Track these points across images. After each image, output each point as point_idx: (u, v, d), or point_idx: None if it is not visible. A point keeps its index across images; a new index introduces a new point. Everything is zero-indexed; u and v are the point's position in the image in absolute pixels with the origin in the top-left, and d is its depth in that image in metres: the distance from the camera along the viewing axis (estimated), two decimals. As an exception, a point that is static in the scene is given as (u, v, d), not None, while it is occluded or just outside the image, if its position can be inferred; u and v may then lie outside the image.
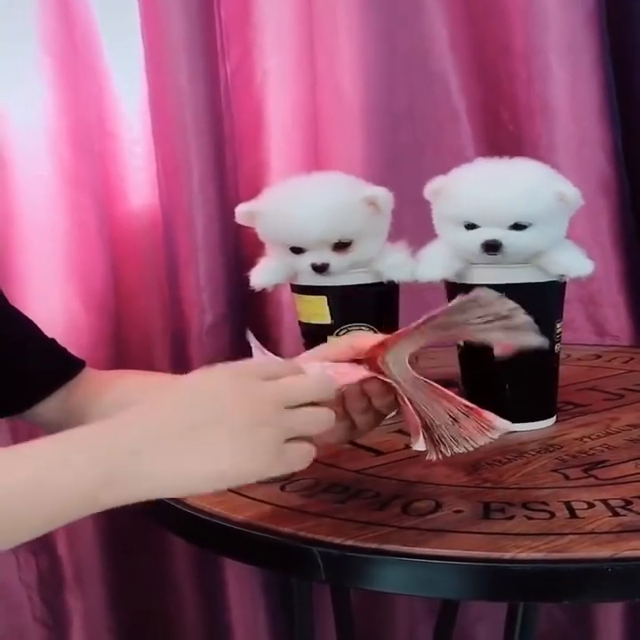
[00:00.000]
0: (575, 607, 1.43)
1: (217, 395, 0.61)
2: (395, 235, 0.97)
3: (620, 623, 1.41)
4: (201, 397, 0.61)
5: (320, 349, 0.76)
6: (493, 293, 0.67)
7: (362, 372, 0.68)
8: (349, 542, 0.65)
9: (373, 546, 0.65)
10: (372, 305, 0.95)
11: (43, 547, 1.32)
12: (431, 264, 0.91)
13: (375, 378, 0.68)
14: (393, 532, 0.67)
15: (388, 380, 0.67)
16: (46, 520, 0.58)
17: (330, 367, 0.73)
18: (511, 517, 0.68)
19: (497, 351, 0.73)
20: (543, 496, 0.72)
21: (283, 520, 0.70)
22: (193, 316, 1.29)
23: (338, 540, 0.65)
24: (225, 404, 0.60)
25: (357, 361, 0.69)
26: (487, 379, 0.89)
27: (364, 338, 0.73)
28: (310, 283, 0.94)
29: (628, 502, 0.70)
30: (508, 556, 0.62)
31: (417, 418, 0.67)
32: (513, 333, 0.68)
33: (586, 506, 0.70)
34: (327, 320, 0.93)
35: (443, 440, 0.67)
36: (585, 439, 0.86)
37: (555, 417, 0.92)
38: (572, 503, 0.70)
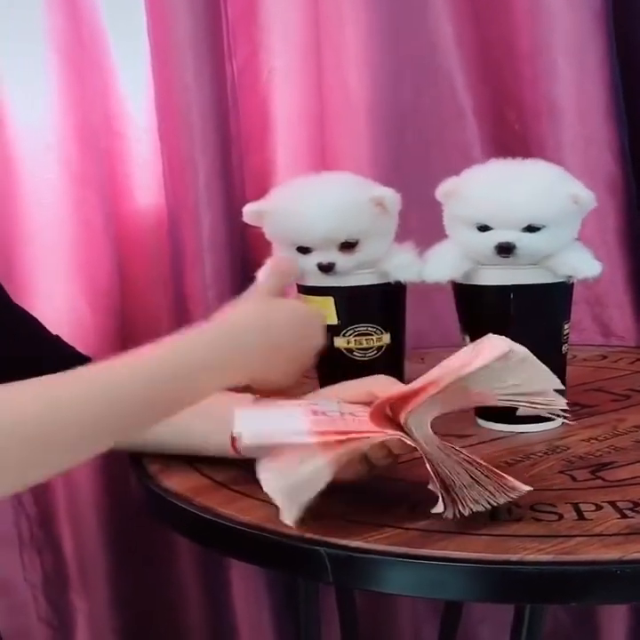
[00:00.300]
0: (579, 609, 1.43)
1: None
2: (401, 234, 0.97)
3: (624, 625, 1.40)
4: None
5: (338, 390, 0.78)
6: (523, 350, 0.66)
7: (386, 431, 0.68)
8: (356, 543, 0.65)
9: (381, 547, 0.65)
10: (379, 305, 0.95)
11: (48, 546, 1.32)
12: (439, 265, 0.90)
13: (398, 438, 0.68)
14: (400, 534, 0.67)
15: (409, 442, 0.67)
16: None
17: (346, 408, 0.73)
18: (519, 519, 0.68)
19: (520, 412, 0.73)
20: (551, 498, 0.72)
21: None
22: (198, 315, 1.28)
23: (345, 542, 0.65)
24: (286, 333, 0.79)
25: (379, 410, 0.69)
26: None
27: (383, 384, 0.75)
28: (317, 283, 0.94)
29: (636, 504, 0.70)
30: (515, 557, 0.62)
31: (436, 479, 0.67)
32: (538, 402, 0.68)
33: (594, 508, 0.70)
34: (334, 321, 0.93)
35: (462, 499, 0.67)
36: (592, 440, 0.86)
37: (561, 419, 0.92)
38: (580, 505, 0.70)
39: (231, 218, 1.24)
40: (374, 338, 0.94)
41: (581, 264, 0.88)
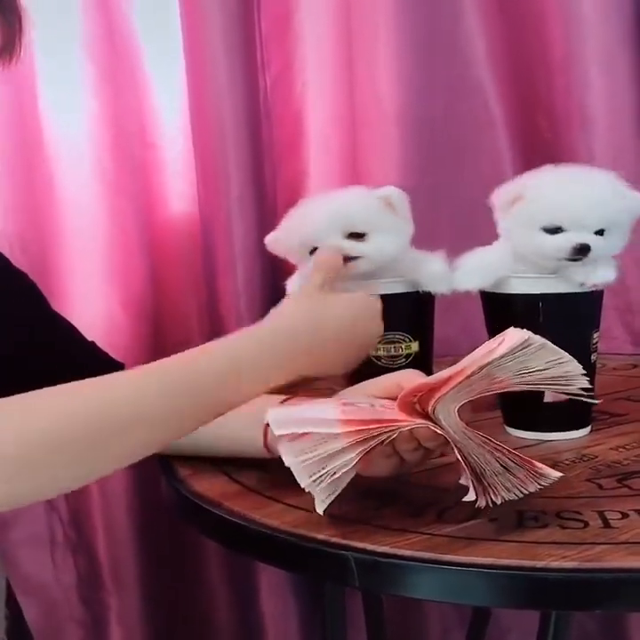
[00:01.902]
0: (606, 617, 1.42)
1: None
2: (431, 241, 0.97)
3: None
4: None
5: (367, 385, 0.78)
6: (540, 339, 0.68)
7: (414, 420, 0.68)
8: (383, 548, 0.66)
9: (407, 552, 0.65)
10: (408, 313, 0.95)
11: (80, 548, 1.35)
12: (469, 273, 0.91)
13: (427, 427, 0.68)
14: (427, 540, 0.67)
15: (438, 431, 0.68)
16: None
17: (377, 401, 0.73)
18: (545, 526, 0.69)
19: (548, 398, 0.74)
20: (577, 505, 0.72)
21: (317, 526, 0.70)
22: (230, 322, 1.30)
23: (372, 547, 0.66)
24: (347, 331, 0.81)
25: (407, 400, 0.70)
26: (523, 391, 0.89)
27: (411, 377, 0.75)
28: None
29: (662, 513, 0.70)
30: (540, 564, 0.62)
31: (466, 467, 0.68)
32: (562, 383, 0.69)
33: (619, 516, 0.70)
34: (363, 328, 0.94)
35: (493, 487, 0.68)
36: (620, 449, 0.86)
37: (590, 427, 0.92)
38: (606, 513, 0.70)
39: (263, 226, 1.25)
40: (403, 346, 0.95)
41: (595, 272, 0.88)
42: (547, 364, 0.68)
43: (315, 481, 0.67)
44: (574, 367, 0.69)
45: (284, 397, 0.81)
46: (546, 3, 1.32)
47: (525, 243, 0.89)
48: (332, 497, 0.68)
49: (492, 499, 0.68)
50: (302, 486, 0.68)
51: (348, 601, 1.22)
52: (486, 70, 1.36)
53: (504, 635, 1.45)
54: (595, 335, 0.91)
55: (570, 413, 0.91)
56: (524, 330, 0.69)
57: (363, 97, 1.33)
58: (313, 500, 0.68)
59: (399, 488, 0.77)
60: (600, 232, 0.87)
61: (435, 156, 1.35)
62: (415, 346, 0.95)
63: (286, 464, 0.68)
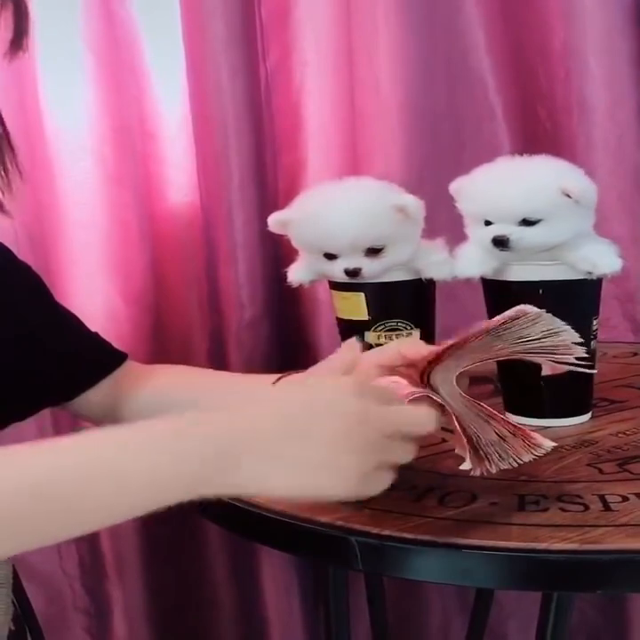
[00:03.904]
0: (606, 603, 1.43)
1: (339, 410, 0.60)
2: (431, 232, 0.98)
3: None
4: (321, 408, 0.61)
5: (370, 354, 0.77)
6: (536, 309, 0.69)
7: (412, 390, 0.69)
8: (387, 532, 0.66)
9: (410, 535, 0.66)
10: (410, 301, 0.96)
11: (83, 537, 1.35)
12: (470, 260, 0.92)
13: (425, 396, 0.69)
14: (429, 523, 0.68)
15: (436, 398, 0.69)
16: (139, 506, 0.57)
17: (394, 381, 0.74)
18: (546, 509, 0.69)
19: (546, 371, 0.74)
20: (578, 489, 0.73)
21: (320, 510, 0.71)
22: (231, 312, 1.31)
23: (375, 530, 0.67)
24: (340, 422, 0.60)
25: (408, 370, 0.70)
26: (523, 375, 0.89)
27: (412, 346, 0.73)
28: (348, 280, 0.95)
29: (662, 496, 0.71)
30: (542, 546, 0.63)
31: (463, 435, 0.68)
32: (559, 352, 0.70)
33: (620, 499, 0.70)
34: (365, 316, 0.94)
35: (489, 457, 0.69)
36: (620, 435, 0.87)
37: (590, 413, 0.93)
38: (606, 496, 0.71)
39: (264, 217, 1.24)
40: (404, 333, 0.95)
41: (601, 260, 0.89)
42: (543, 333, 0.69)
43: None
44: (571, 335, 0.70)
45: (277, 376, 0.81)
46: (545, -8, 1.33)
47: (472, 235, 0.92)
48: None
49: (487, 468, 0.69)
50: None
51: (352, 587, 1.23)
52: (486, 60, 1.36)
53: (505, 621, 1.46)
54: (594, 322, 0.92)
55: (571, 399, 0.92)
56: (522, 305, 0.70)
57: (362, 86, 1.33)
58: None
59: (401, 473, 0.78)
60: (528, 222, 0.88)
61: (434, 144, 1.35)
62: (417, 334, 0.96)
63: None
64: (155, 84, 1.30)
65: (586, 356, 0.72)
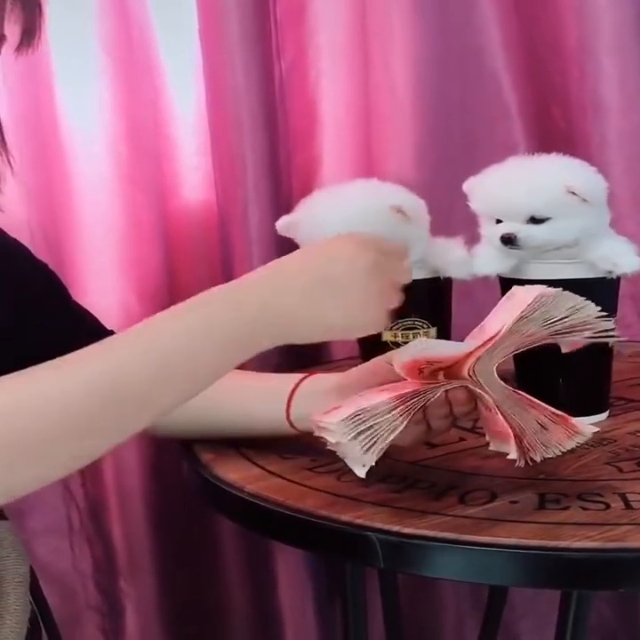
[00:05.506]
0: (624, 604, 1.43)
1: (350, 260, 0.70)
2: (447, 230, 0.98)
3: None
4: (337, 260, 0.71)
5: (390, 356, 0.76)
6: (553, 289, 0.69)
7: (451, 381, 0.69)
8: (408, 530, 0.67)
9: (431, 533, 0.66)
10: (427, 300, 0.96)
11: (97, 535, 1.35)
12: (486, 259, 0.92)
13: (462, 386, 0.69)
14: (450, 521, 0.68)
15: (475, 390, 0.69)
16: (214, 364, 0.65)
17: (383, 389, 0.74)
18: (566, 508, 0.69)
19: (565, 349, 0.75)
20: (598, 488, 0.73)
21: (341, 508, 0.71)
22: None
23: (396, 528, 0.67)
24: (356, 268, 0.70)
25: (435, 371, 0.70)
26: (541, 374, 0.89)
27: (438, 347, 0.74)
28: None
29: (682, 495, 0.71)
30: (563, 544, 0.63)
31: (508, 426, 0.68)
32: (587, 328, 0.70)
33: (641, 498, 0.71)
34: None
35: (532, 446, 0.69)
36: (637, 433, 0.87)
37: (608, 412, 0.93)
38: (627, 495, 0.71)
39: (279, 215, 1.24)
40: (421, 332, 0.95)
41: (622, 259, 0.89)
42: (568, 311, 0.70)
43: (356, 438, 0.67)
44: (593, 310, 0.71)
45: (302, 375, 0.82)
46: (559, -8, 1.33)
47: (486, 234, 0.93)
48: (373, 460, 0.68)
49: (531, 457, 0.69)
50: (344, 442, 0.68)
51: (366, 586, 1.23)
52: (500, 58, 1.36)
53: (519, 621, 1.45)
54: (613, 321, 0.92)
55: (588, 398, 0.92)
56: (532, 286, 0.70)
57: (377, 85, 1.33)
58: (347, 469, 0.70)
59: (421, 472, 0.78)
60: (536, 220, 0.89)
61: (449, 144, 1.35)
62: (433, 332, 0.96)
63: (329, 427, 0.68)
64: (170, 84, 1.30)
65: (612, 327, 0.72)
